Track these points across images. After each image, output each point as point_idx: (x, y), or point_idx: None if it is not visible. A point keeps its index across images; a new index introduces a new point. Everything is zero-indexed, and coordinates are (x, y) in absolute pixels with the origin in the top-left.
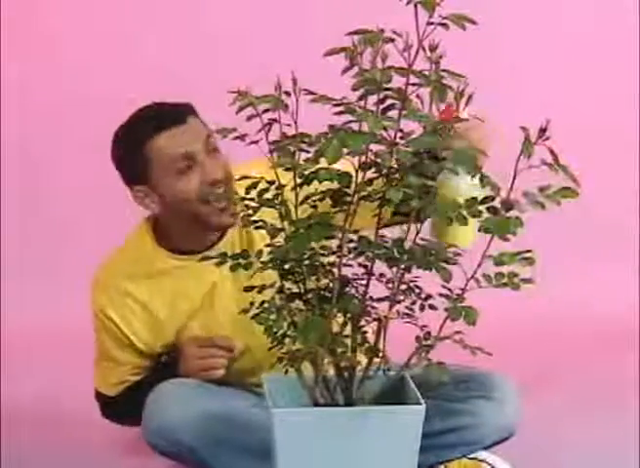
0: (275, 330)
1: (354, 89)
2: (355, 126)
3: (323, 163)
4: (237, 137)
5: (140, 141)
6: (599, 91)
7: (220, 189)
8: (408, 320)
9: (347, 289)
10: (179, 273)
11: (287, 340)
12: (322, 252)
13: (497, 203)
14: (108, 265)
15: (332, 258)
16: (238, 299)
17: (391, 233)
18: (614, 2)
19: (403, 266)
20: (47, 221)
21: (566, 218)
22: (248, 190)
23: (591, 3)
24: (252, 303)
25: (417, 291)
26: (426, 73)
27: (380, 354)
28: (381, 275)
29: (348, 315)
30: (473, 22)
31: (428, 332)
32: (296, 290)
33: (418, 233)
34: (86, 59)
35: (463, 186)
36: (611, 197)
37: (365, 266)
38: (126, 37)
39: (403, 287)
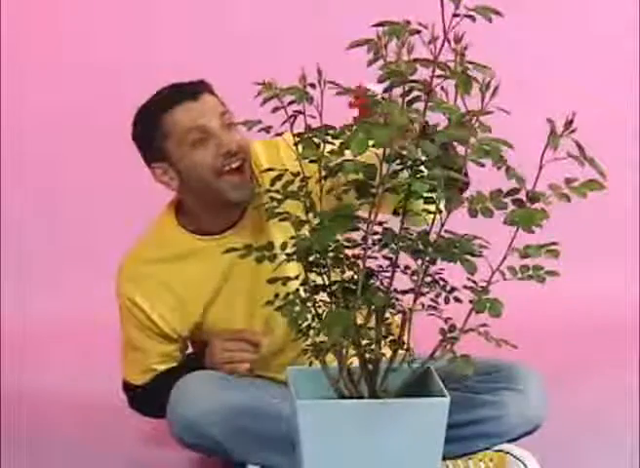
0: (299, 322)
1: (380, 81)
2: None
3: (348, 155)
4: (262, 129)
5: (156, 116)
6: (603, 89)
7: (236, 163)
8: (432, 312)
9: (372, 281)
10: (201, 253)
11: (311, 332)
12: (347, 244)
13: (522, 195)
14: (132, 251)
15: (356, 251)
16: (258, 279)
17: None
18: None
19: (428, 258)
20: (54, 218)
21: (566, 217)
22: (273, 182)
23: None
24: (277, 295)
25: (441, 283)
26: (452, 65)
27: (405, 346)
28: (406, 267)
29: (373, 307)
30: (499, 14)
31: (453, 325)
32: (320, 282)
33: (442, 225)
34: (100, 56)
35: None
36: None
37: (390, 258)
38: (141, 35)
39: (428, 279)
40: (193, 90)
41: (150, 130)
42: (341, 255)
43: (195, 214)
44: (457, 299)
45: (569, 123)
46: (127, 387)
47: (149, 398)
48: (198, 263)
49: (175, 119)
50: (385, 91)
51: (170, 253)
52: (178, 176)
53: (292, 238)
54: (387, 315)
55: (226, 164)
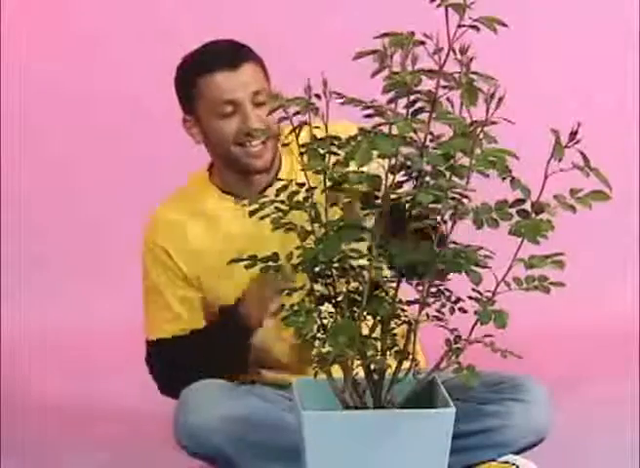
0: (305, 332)
1: (384, 91)
2: (385, 129)
3: (353, 166)
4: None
5: (194, 77)
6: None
7: (257, 146)
8: (438, 323)
9: (377, 291)
10: (226, 213)
11: (316, 343)
12: (352, 254)
13: (527, 206)
14: (164, 202)
15: (362, 261)
16: (282, 243)
17: None
18: None
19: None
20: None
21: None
22: (278, 193)
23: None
24: (282, 305)
25: (447, 294)
26: (456, 76)
27: (410, 357)
28: None
29: (378, 318)
30: (504, 25)
31: (458, 336)
32: (325, 292)
33: (448, 236)
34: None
35: None
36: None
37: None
38: (144, 36)
39: (433, 290)
40: (234, 57)
41: (186, 88)
42: (347, 266)
43: (221, 172)
44: (462, 310)
45: (574, 133)
46: (148, 349)
47: (168, 363)
48: (222, 223)
49: (208, 87)
50: (390, 102)
51: (195, 207)
52: (202, 134)
53: (297, 248)
54: (392, 326)
55: (247, 141)
